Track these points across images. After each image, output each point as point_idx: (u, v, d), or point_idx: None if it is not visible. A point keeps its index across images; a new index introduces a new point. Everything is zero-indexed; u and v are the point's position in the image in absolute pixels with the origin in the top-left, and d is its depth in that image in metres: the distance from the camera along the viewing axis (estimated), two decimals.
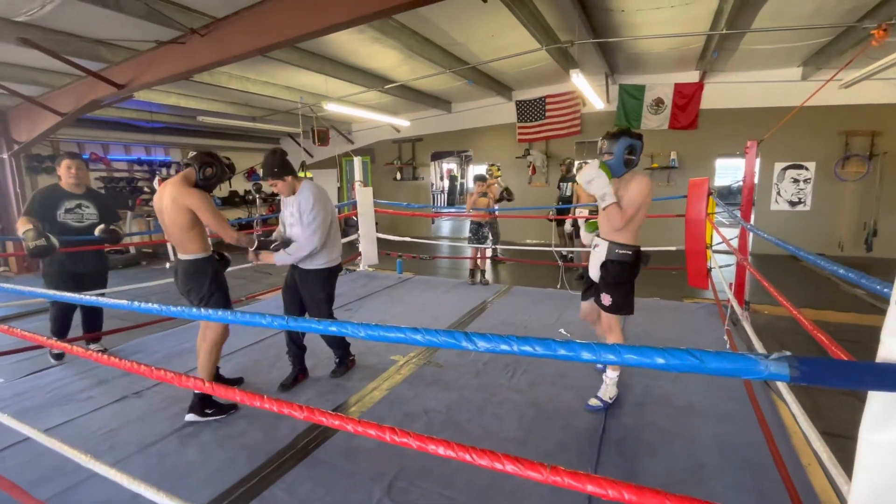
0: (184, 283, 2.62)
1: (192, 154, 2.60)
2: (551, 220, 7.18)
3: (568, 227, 6.22)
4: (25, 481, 1.97)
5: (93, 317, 3.74)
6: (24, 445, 2.30)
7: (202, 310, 1.20)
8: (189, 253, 2.58)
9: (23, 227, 3.09)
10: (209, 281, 2.61)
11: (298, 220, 2.76)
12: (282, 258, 2.77)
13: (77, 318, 3.69)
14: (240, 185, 12.47)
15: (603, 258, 2.59)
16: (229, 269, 2.85)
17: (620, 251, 2.53)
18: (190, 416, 2.56)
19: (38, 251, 3.01)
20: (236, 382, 3.02)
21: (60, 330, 3.59)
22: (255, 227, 2.95)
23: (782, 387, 2.17)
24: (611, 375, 2.67)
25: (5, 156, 7.72)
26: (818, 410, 2.74)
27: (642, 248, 2.57)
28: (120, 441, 2.38)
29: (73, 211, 3.53)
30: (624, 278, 2.55)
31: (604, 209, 2.47)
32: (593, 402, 2.65)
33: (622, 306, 2.56)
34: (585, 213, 6.07)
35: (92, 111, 6.50)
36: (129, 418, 2.61)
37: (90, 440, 2.39)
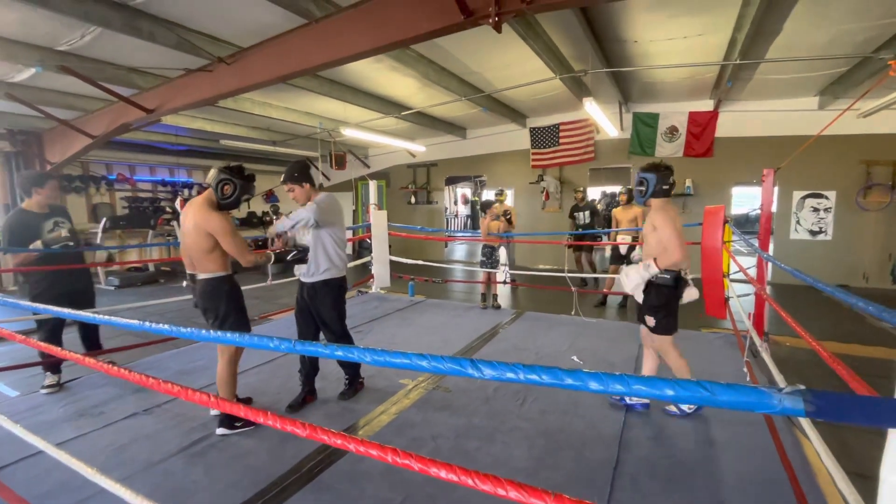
0: (202, 302, 2.66)
1: (211, 172, 2.62)
2: (570, 247, 7.19)
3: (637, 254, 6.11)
4: (33, 495, 1.98)
5: (93, 334, 3.70)
6: (34, 460, 2.32)
7: (210, 332, 1.21)
8: (207, 272, 2.62)
9: (26, 251, 3.22)
10: (225, 300, 2.65)
11: (313, 223, 2.82)
12: (282, 223, 2.83)
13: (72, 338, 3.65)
14: (258, 206, 12.75)
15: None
16: (242, 288, 2.88)
17: (661, 275, 2.70)
18: (220, 431, 2.61)
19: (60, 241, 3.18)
20: (244, 402, 3.01)
21: (54, 359, 3.35)
22: (271, 246, 2.98)
23: (805, 422, 2.08)
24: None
25: None
26: (845, 449, 2.61)
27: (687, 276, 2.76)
28: (128, 458, 2.39)
29: (54, 230, 3.36)
30: (663, 300, 2.73)
31: (663, 267, 2.68)
32: (671, 407, 2.78)
33: (666, 327, 2.73)
34: (629, 239, 6.20)
35: (121, 134, 6.79)
36: (138, 435, 2.62)
37: (99, 456, 2.40)
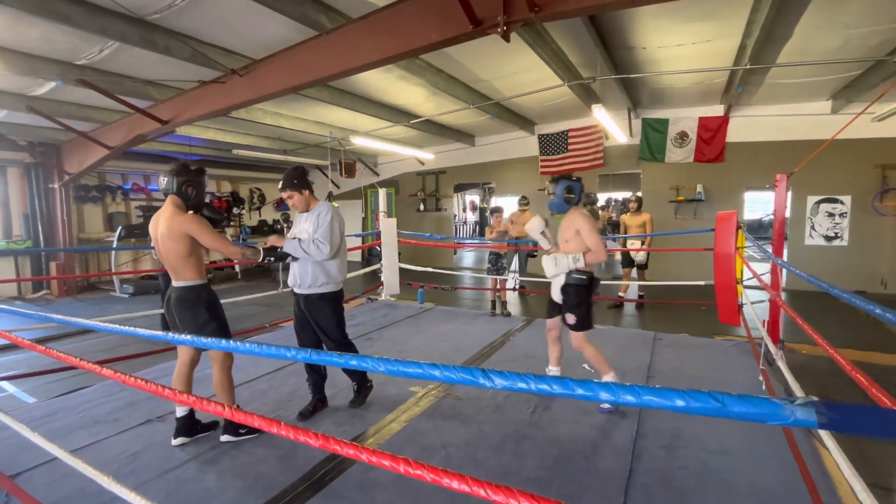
0: (177, 311, 2.54)
1: (165, 180, 2.53)
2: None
3: (640, 257, 6.52)
4: (50, 501, 2.01)
5: None
6: (51, 466, 2.35)
7: (228, 342, 1.23)
8: (184, 280, 2.53)
9: None
10: (204, 308, 2.55)
11: (313, 235, 2.78)
12: (292, 246, 2.76)
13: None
14: (269, 214, 12.91)
15: (563, 282, 2.97)
16: (252, 296, 2.90)
17: (577, 275, 2.93)
18: (225, 437, 2.62)
19: None
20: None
21: None
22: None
23: (823, 432, 2.04)
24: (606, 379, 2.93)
25: (56, 185, 8.27)
26: (866, 459, 2.54)
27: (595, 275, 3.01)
28: (142, 465, 2.41)
29: None
30: (582, 299, 2.94)
31: (588, 263, 2.90)
32: (605, 405, 2.93)
33: (585, 323, 2.94)
34: (637, 244, 6.28)
35: (137, 145, 6.94)
36: (151, 442, 2.64)
37: (113, 463, 2.43)
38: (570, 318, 2.94)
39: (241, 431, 2.64)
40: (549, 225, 3.25)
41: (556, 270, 2.96)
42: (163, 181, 2.56)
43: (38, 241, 8.33)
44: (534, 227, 3.08)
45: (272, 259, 2.84)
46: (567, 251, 2.99)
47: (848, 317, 5.91)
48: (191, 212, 2.56)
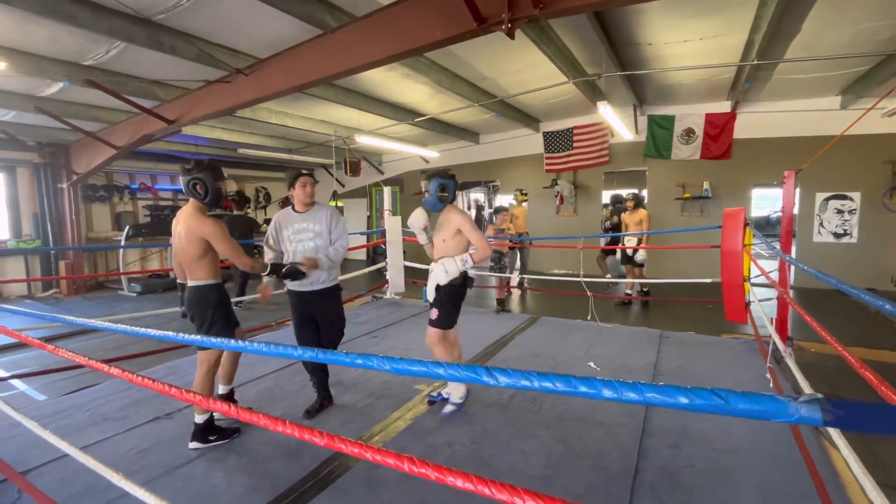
0: (189, 309, 2.62)
1: (183, 181, 2.51)
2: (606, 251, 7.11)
3: (640, 256, 6.45)
4: (61, 498, 2.03)
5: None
6: (61, 462, 2.38)
7: (238, 342, 1.24)
8: (196, 279, 2.57)
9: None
10: (212, 309, 2.59)
11: (324, 234, 2.90)
12: (326, 264, 2.88)
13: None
14: (275, 213, 12.95)
15: (438, 282, 2.92)
16: (258, 295, 2.88)
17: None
18: (193, 444, 2.56)
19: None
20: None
21: None
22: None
23: (833, 430, 2.02)
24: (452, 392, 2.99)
25: (65, 185, 8.35)
26: (878, 459, 2.52)
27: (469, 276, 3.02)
28: (150, 462, 2.44)
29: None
30: (451, 299, 2.94)
31: (476, 262, 2.87)
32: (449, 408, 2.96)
33: (444, 322, 2.94)
34: (634, 241, 6.26)
35: (144, 145, 6.99)
36: (159, 439, 2.67)
37: (122, 459, 2.45)
38: (433, 314, 2.93)
39: (211, 439, 2.60)
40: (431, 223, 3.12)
41: (446, 278, 2.87)
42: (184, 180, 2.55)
43: (47, 241, 8.43)
44: (417, 222, 3.00)
45: (277, 273, 2.81)
46: (445, 251, 2.90)
47: (857, 314, 5.85)
48: (212, 214, 2.57)
